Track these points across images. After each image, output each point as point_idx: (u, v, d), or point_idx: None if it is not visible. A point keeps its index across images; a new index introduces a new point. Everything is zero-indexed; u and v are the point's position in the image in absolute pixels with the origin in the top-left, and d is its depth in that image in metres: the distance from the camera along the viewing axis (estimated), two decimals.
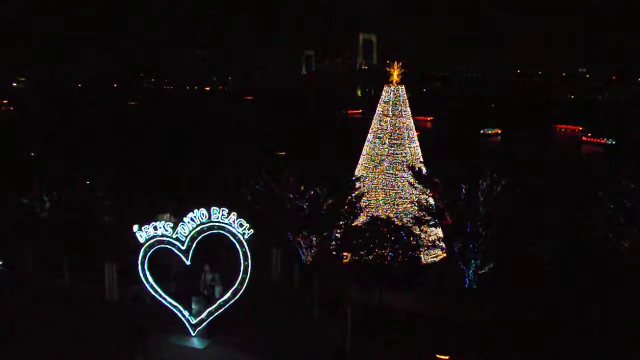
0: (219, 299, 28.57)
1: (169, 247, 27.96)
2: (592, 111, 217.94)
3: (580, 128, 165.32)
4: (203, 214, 27.38)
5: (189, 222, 27.53)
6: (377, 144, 43.98)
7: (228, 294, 28.20)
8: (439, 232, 39.89)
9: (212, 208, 27.30)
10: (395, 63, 44.74)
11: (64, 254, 36.09)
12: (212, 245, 28.64)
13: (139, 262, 28.12)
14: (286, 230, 37.27)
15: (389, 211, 41.71)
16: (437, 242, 37.76)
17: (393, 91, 44.05)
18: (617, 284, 31.11)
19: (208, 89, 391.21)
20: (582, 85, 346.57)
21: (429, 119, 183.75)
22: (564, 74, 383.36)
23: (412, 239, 34.62)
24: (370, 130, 45.12)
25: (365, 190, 41.38)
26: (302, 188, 37.24)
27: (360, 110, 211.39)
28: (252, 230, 27.39)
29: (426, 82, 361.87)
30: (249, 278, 27.78)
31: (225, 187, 50.48)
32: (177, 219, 30.02)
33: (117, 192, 41.55)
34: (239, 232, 27.24)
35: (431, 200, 38.04)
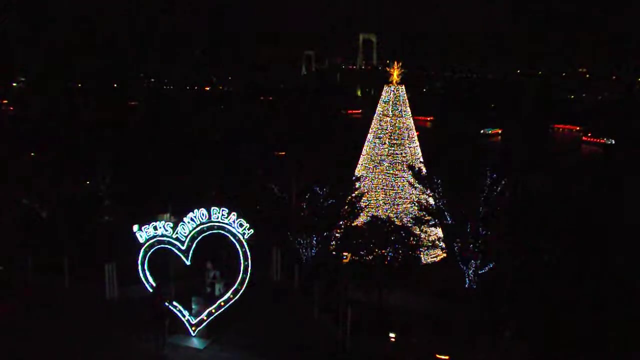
0: (219, 296, 28.60)
1: (169, 247, 27.98)
2: (592, 111, 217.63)
3: (579, 128, 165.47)
4: (203, 214, 27.41)
5: (189, 222, 27.55)
6: (377, 144, 44.00)
7: (228, 294, 28.23)
8: (439, 232, 39.91)
9: (212, 208, 27.34)
10: (395, 63, 44.79)
11: (64, 254, 36.07)
12: (212, 245, 28.63)
13: (139, 262, 28.15)
14: (286, 230, 37.30)
15: (389, 211, 41.73)
16: (437, 242, 37.80)
17: (393, 91, 44.07)
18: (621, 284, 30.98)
19: (208, 89, 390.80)
20: (582, 85, 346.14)
21: (429, 119, 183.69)
22: (564, 74, 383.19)
23: (412, 239, 34.65)
24: (370, 130, 45.13)
25: (365, 190, 41.39)
26: (302, 188, 37.29)
27: (360, 110, 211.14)
28: (252, 230, 27.42)
29: (426, 82, 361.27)
30: (249, 278, 27.80)
31: (224, 187, 50.36)
32: (177, 219, 30.00)
33: (117, 192, 41.58)
34: (239, 232, 27.27)
35: (431, 200, 38.05)
